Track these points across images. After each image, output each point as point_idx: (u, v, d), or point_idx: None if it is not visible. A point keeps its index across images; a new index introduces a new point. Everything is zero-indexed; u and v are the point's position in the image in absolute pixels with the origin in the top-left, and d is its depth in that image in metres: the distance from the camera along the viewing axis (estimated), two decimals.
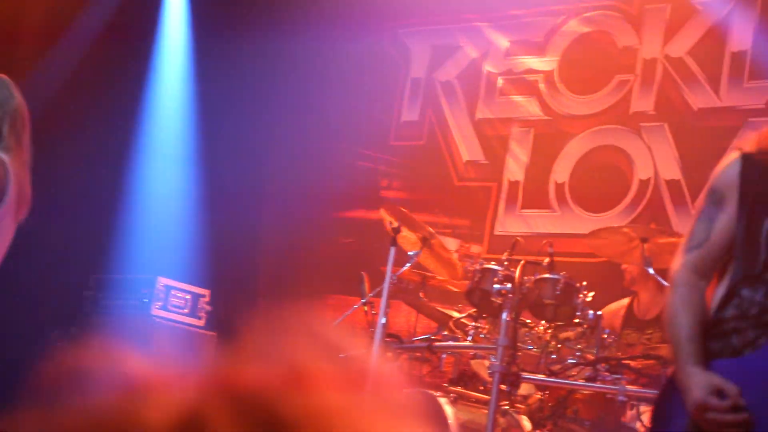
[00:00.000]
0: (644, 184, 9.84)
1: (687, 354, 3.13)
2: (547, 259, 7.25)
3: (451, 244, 10.15)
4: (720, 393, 3.03)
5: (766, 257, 3.13)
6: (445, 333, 7.57)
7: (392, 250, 6.89)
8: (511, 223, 10.36)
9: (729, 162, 3.33)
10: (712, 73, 9.52)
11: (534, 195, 10.35)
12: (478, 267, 7.33)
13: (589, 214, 10.03)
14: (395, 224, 6.97)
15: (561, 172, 10.26)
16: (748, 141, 3.37)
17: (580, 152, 10.21)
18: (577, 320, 7.24)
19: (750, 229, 3.18)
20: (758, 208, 3.20)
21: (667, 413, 3.25)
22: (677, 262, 3.44)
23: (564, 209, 10.21)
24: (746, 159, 3.27)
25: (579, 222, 9.91)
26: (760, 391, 3.02)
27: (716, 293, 3.29)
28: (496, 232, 10.40)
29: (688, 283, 3.30)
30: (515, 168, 10.52)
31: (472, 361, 7.74)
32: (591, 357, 7.13)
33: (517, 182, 10.50)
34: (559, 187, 10.23)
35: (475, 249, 10.38)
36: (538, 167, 10.36)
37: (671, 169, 9.70)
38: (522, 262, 7.05)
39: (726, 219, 3.26)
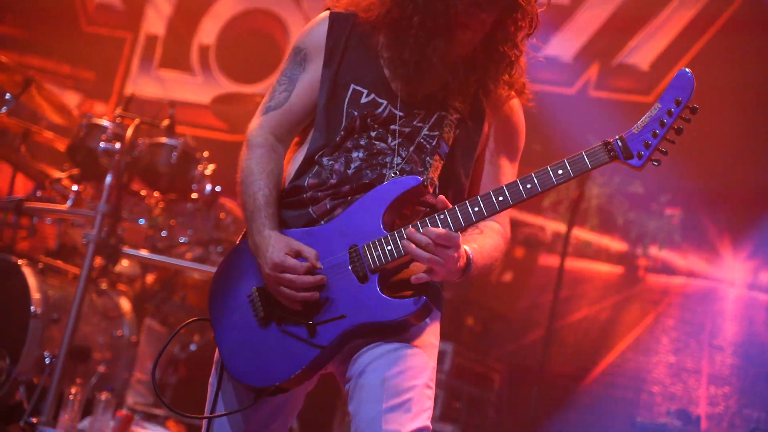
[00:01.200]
0: None
1: (264, 218, 2.95)
2: (166, 121, 6.26)
3: (72, 99, 8.89)
4: (298, 256, 2.90)
5: (347, 125, 3.00)
6: (39, 195, 6.41)
7: None
8: (145, 84, 9.26)
9: (318, 21, 3.11)
10: None
11: (174, 54, 9.27)
12: (84, 121, 6.21)
13: (234, 84, 9.14)
14: None
15: (207, 32, 9.25)
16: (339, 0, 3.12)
17: (229, 13, 9.24)
18: (193, 195, 6.36)
19: (333, 94, 3.03)
20: (343, 73, 3.04)
21: (232, 279, 3.03)
22: (255, 122, 3.11)
23: (207, 75, 9.23)
24: (336, 19, 3.07)
25: (222, 92, 8.98)
26: (329, 261, 2.91)
27: (295, 160, 3.12)
28: (127, 91, 9.24)
29: (266, 145, 3.06)
30: (155, 20, 9.35)
31: (70, 231, 6.67)
32: (204, 237, 6.33)
33: (156, 36, 9.35)
34: (204, 49, 9.22)
35: (100, 108, 9.18)
36: (182, 23, 9.26)
37: None
38: (136, 120, 6.01)
39: (309, 81, 3.08)
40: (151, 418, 6.31)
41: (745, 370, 7.62)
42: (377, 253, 2.86)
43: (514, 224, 8.28)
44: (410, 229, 2.80)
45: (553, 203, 8.37)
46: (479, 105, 3.07)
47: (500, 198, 2.81)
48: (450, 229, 2.79)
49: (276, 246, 2.88)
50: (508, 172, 3.14)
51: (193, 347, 6.80)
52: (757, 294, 7.77)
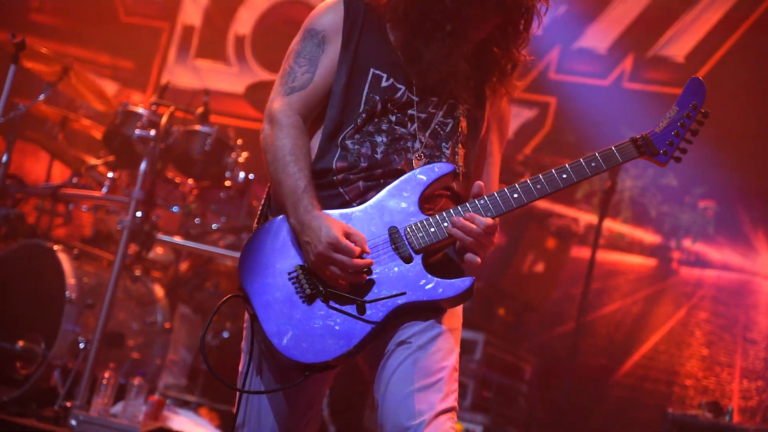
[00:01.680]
0: None
1: (312, 197, 2.98)
2: (200, 109, 6.31)
3: (110, 88, 8.97)
4: (348, 238, 2.94)
5: (368, 108, 3.07)
6: (75, 182, 6.48)
7: (12, 68, 5.62)
8: (182, 73, 9.33)
9: (332, 3, 3.15)
10: None
11: (210, 44, 9.34)
12: (120, 109, 6.27)
13: (269, 74, 9.18)
14: (18, 37, 5.64)
15: (243, 23, 9.30)
16: None
17: (266, 3, 9.29)
18: (227, 182, 6.41)
19: (352, 77, 3.08)
20: (362, 56, 3.10)
21: (266, 258, 3.02)
22: (279, 101, 3.09)
23: (242, 65, 9.28)
24: (350, 2, 3.14)
25: (257, 80, 9.04)
26: (369, 242, 2.98)
27: (313, 140, 3.13)
28: (164, 81, 9.33)
29: (297, 125, 3.06)
30: (192, 10, 9.42)
31: (106, 218, 6.75)
32: (237, 224, 6.38)
33: (192, 27, 9.42)
34: (240, 39, 9.28)
35: (136, 97, 9.26)
36: (219, 14, 9.33)
37: None
38: (171, 108, 6.07)
39: (330, 63, 3.09)
40: (183, 404, 6.37)
41: None
42: (421, 235, 2.97)
43: (547, 215, 8.28)
44: (462, 214, 2.97)
45: (586, 195, 8.35)
46: (481, 97, 3.21)
47: (538, 186, 3.01)
48: (492, 213, 2.99)
49: (332, 225, 2.92)
50: (497, 161, 3.32)
51: (225, 334, 6.85)
52: None
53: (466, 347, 6.88)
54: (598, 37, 8.49)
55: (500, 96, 3.26)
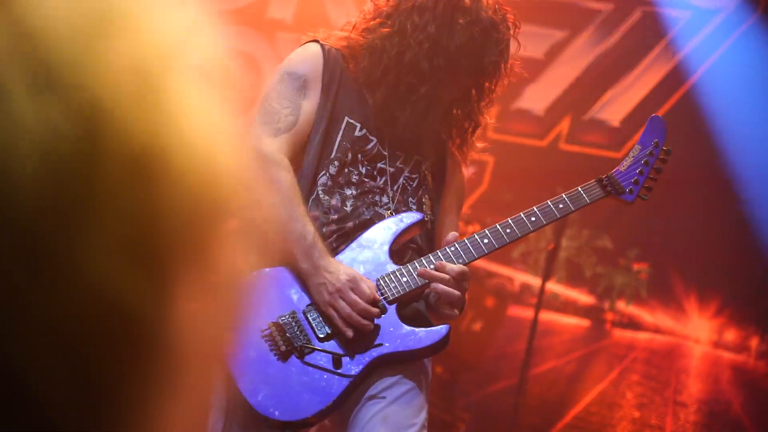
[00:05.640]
0: None
1: (322, 245, 2.94)
2: None
3: None
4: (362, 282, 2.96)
5: (340, 156, 3.05)
6: None
7: None
8: None
9: (312, 50, 3.14)
10: None
11: None
12: None
13: None
14: None
15: None
16: (319, 32, 3.23)
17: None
18: None
19: (329, 125, 3.07)
20: (339, 105, 3.10)
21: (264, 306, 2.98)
22: (268, 142, 3.01)
23: None
24: (329, 51, 3.13)
25: None
26: None
27: None
28: None
29: (290, 169, 3.01)
30: None
31: None
32: None
33: None
34: None
35: None
36: None
37: None
38: None
39: (310, 108, 3.08)
40: None
41: (708, 427, 7.67)
42: (393, 285, 2.97)
43: (484, 275, 8.30)
44: (433, 262, 2.97)
45: (522, 254, 8.40)
46: (443, 154, 3.25)
47: (507, 230, 3.02)
48: (463, 260, 2.98)
49: (345, 271, 2.92)
50: (456, 222, 3.32)
51: None
52: (722, 352, 7.83)
53: None
54: (536, 98, 8.62)
55: (456, 158, 3.28)
